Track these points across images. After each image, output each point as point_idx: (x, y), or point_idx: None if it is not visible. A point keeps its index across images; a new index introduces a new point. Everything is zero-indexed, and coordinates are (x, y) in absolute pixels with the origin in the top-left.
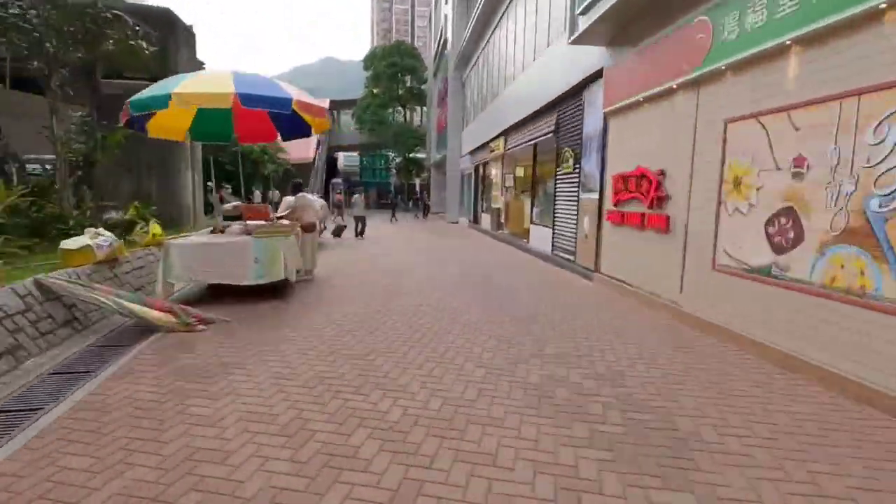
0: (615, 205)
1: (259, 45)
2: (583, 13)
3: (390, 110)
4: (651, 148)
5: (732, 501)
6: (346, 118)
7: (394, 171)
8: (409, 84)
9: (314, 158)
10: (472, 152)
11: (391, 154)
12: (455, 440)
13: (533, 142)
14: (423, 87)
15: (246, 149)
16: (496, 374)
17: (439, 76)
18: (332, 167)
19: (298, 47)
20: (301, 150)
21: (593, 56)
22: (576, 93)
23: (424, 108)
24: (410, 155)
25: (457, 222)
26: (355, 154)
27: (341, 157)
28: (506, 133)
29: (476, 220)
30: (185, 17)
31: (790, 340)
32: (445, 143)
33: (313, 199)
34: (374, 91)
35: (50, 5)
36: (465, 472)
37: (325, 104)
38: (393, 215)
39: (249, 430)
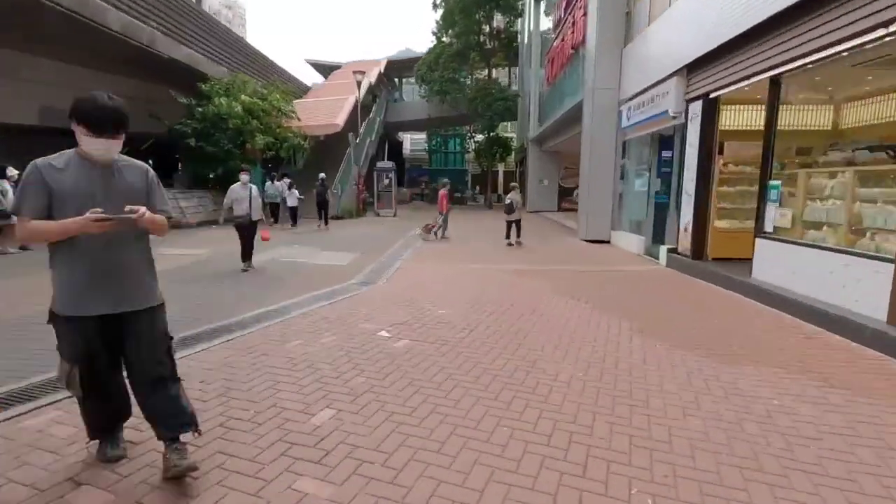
0: None
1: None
2: None
3: (465, 71)
4: None
5: None
6: (410, 91)
7: (470, 150)
8: (495, 25)
9: (364, 132)
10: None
11: (468, 132)
12: None
13: None
14: (513, 30)
15: (220, 109)
16: None
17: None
18: (390, 150)
19: (374, 38)
20: (327, 112)
21: None
22: None
23: (514, 71)
24: (493, 132)
25: (604, 241)
26: (422, 135)
27: (408, 139)
28: None
29: (698, 253)
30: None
31: None
32: (559, 102)
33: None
34: (446, 38)
35: None
36: None
37: (381, 65)
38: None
39: None
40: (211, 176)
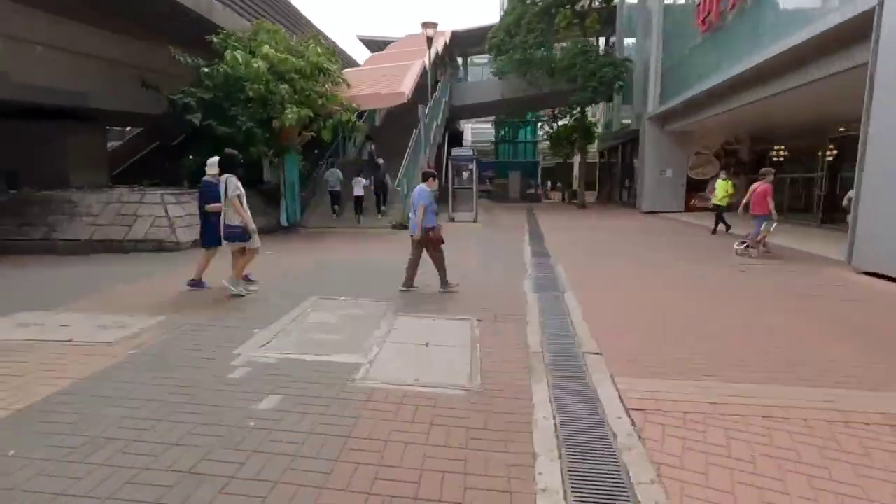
0: None
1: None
2: None
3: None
4: None
5: None
6: (477, 71)
7: (543, 137)
8: None
9: (432, 105)
10: None
11: (549, 116)
12: None
13: None
14: None
15: (235, 69)
16: None
17: None
18: (452, 138)
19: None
20: (386, 79)
21: None
22: None
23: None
24: (574, 114)
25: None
26: (484, 124)
27: (468, 129)
28: None
29: None
30: None
31: None
32: (728, 55)
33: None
34: None
35: None
36: None
37: (445, 37)
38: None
39: None
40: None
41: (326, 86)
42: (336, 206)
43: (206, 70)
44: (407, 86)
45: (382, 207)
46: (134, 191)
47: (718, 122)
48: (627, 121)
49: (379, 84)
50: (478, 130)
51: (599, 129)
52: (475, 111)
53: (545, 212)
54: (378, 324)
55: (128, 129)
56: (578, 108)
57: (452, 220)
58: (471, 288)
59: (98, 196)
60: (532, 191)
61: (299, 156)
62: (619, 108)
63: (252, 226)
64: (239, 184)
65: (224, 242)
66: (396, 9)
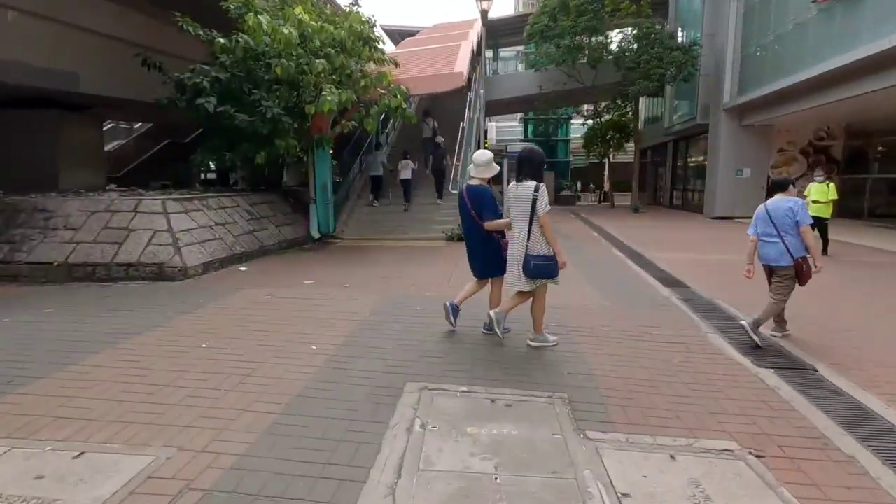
0: None
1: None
2: None
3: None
4: None
5: None
6: (503, 66)
7: (586, 132)
8: None
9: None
10: None
11: (592, 110)
12: None
13: None
14: None
15: (257, 38)
16: None
17: None
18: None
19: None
20: (434, 61)
21: None
22: None
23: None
24: (624, 108)
25: None
26: (510, 122)
27: (492, 127)
28: None
29: None
30: None
31: None
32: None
33: None
34: None
35: None
36: None
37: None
38: None
39: None
40: (237, 168)
41: (370, 64)
42: (376, 195)
43: (221, 41)
44: (462, 66)
45: (439, 201)
46: (128, 196)
47: (808, 114)
48: (683, 114)
49: (430, 65)
50: (503, 129)
51: (640, 126)
52: (507, 107)
53: (596, 216)
54: (577, 472)
55: (138, 125)
56: (630, 103)
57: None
58: (624, 347)
59: (81, 203)
60: (567, 192)
61: (331, 151)
62: (671, 101)
63: (563, 256)
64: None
65: (517, 277)
66: (396, 4)
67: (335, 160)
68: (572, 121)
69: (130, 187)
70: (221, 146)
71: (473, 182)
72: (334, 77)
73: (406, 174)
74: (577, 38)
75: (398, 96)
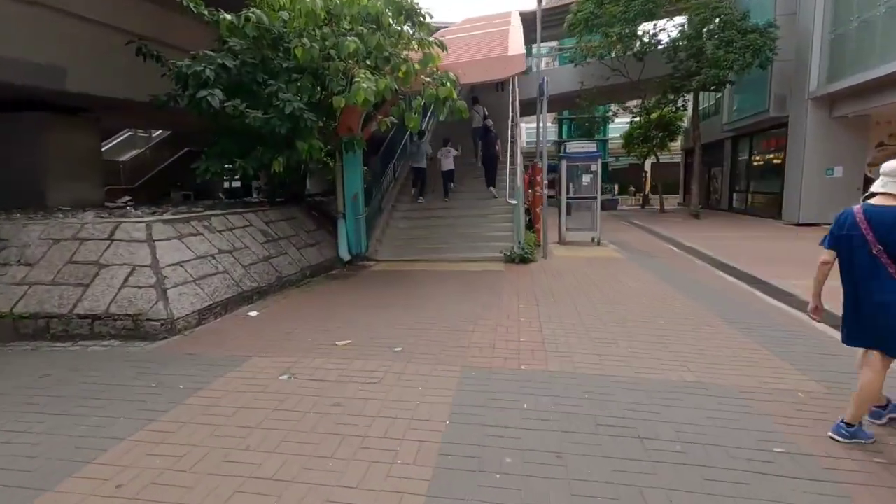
0: None
1: None
2: None
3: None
4: None
5: None
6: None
7: (634, 129)
8: None
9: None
10: None
11: (639, 106)
12: None
13: None
14: None
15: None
16: None
17: None
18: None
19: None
20: (483, 46)
21: None
22: None
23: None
24: (679, 103)
25: None
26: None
27: (522, 128)
28: None
29: None
30: None
31: None
32: None
33: None
34: None
35: None
36: None
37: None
38: None
39: None
40: (251, 177)
41: (411, 47)
42: (421, 190)
43: (228, 18)
44: (517, 48)
45: (493, 191)
46: (107, 216)
47: None
48: (749, 107)
49: (478, 51)
50: (534, 130)
51: (685, 123)
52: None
53: (653, 223)
54: None
55: (157, 133)
56: (682, 97)
57: (561, 240)
58: None
59: (43, 229)
60: (608, 196)
61: (362, 154)
62: (730, 94)
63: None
64: None
65: None
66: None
67: (364, 166)
68: (616, 118)
69: (123, 201)
70: (231, 151)
71: (882, 202)
72: (368, 62)
73: (448, 164)
74: (629, 26)
75: (448, 84)
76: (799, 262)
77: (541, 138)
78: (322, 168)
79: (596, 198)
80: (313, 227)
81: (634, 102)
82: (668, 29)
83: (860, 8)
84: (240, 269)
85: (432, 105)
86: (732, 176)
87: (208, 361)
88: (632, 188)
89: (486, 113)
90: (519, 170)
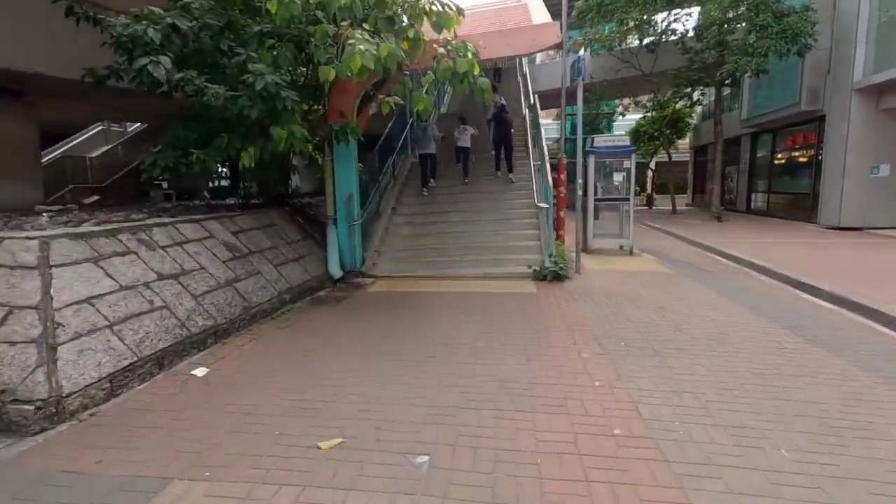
0: None
1: None
2: None
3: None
4: None
5: None
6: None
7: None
8: None
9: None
10: None
11: (652, 99)
12: None
13: None
14: None
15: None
16: None
17: None
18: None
19: None
20: (507, 19)
21: None
22: None
23: None
24: (696, 96)
25: None
26: (549, 118)
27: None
28: None
29: None
30: None
31: None
32: None
33: None
34: None
35: None
36: None
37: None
38: None
39: None
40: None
41: (420, 5)
42: (430, 180)
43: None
44: (544, 16)
45: (512, 177)
46: None
47: None
48: (775, 101)
49: (499, 24)
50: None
51: (694, 121)
52: (548, 101)
53: (673, 226)
54: None
55: (133, 126)
56: (698, 90)
57: (586, 248)
58: None
59: None
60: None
61: (356, 145)
62: (750, 87)
63: None
64: None
65: None
66: None
67: (359, 163)
68: (626, 114)
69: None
70: (186, 140)
71: None
72: (366, 25)
73: (465, 141)
74: (648, 12)
75: (468, 55)
76: (873, 273)
77: (573, 128)
78: (309, 165)
79: (629, 199)
80: (297, 236)
81: (647, 97)
82: (682, 18)
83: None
84: (188, 302)
85: (438, 87)
86: (751, 175)
87: (91, 495)
88: (636, 188)
89: (503, 102)
90: (546, 166)
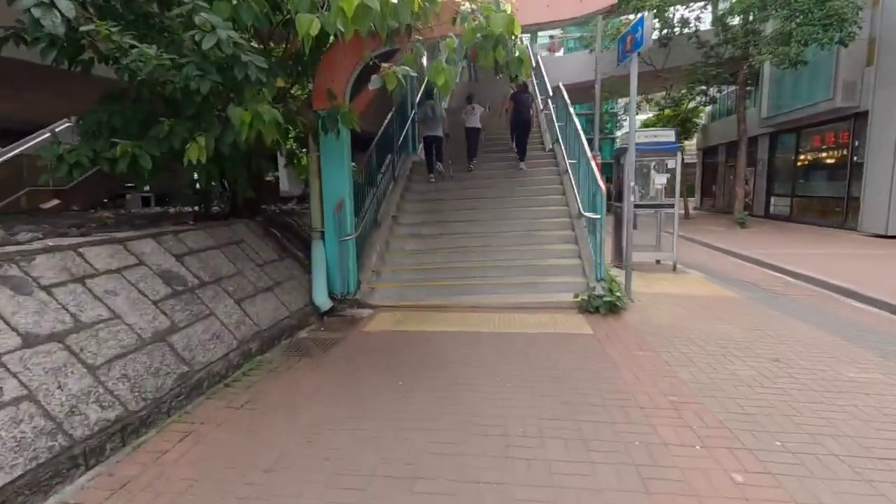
0: None
1: None
2: None
3: None
4: None
5: None
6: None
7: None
8: None
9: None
10: None
11: (666, 101)
12: None
13: None
14: None
15: None
16: None
17: None
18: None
19: None
20: None
21: None
22: None
23: None
24: (711, 93)
25: None
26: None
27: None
28: None
29: None
30: None
31: None
32: None
33: None
34: None
35: None
36: None
37: None
38: None
39: None
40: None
41: None
42: (437, 166)
43: None
44: None
45: (522, 165)
46: None
47: None
48: (803, 97)
49: None
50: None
51: (703, 120)
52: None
53: (701, 233)
54: None
55: None
56: (714, 88)
57: (623, 264)
58: None
59: None
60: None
61: (350, 137)
62: (770, 82)
63: None
64: None
65: None
66: None
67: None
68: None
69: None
70: (112, 128)
71: None
72: None
73: (473, 121)
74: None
75: (505, 10)
76: None
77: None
78: (289, 162)
79: (673, 206)
80: (272, 255)
81: (660, 94)
82: (697, 10)
83: None
84: (78, 382)
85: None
86: (770, 178)
87: None
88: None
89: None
90: (593, 165)
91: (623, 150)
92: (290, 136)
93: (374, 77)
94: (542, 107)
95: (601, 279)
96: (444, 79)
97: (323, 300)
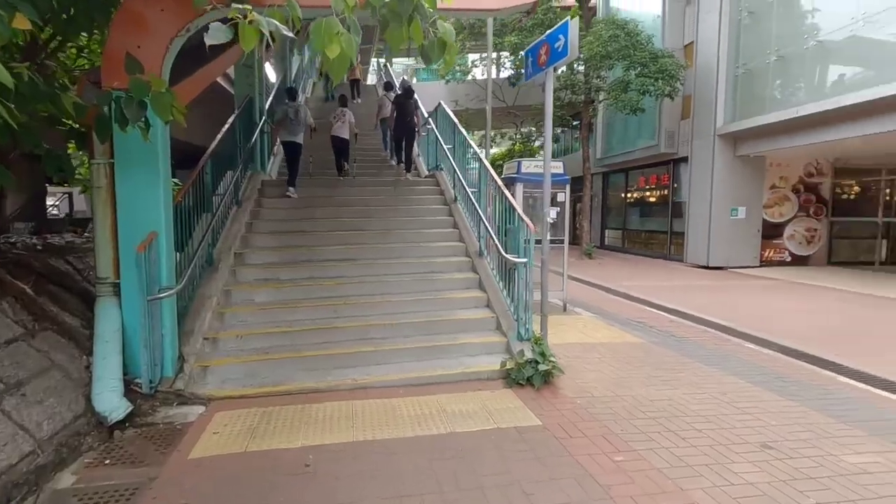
0: None
1: None
2: None
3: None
4: None
5: None
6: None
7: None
8: None
9: None
10: None
11: (518, 136)
12: None
13: None
14: None
15: None
16: None
17: None
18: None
19: None
20: None
21: None
22: None
23: None
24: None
25: None
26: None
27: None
28: None
29: None
30: None
31: None
32: None
33: None
34: None
35: None
36: None
37: None
38: None
39: None
40: None
41: None
42: (293, 178)
43: None
44: None
45: (408, 175)
46: None
47: (810, 147)
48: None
49: None
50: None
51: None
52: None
53: (554, 263)
54: None
55: None
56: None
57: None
58: None
59: None
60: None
61: (168, 139)
62: (603, 128)
63: None
64: None
65: None
66: None
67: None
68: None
69: None
70: None
71: None
72: None
73: (343, 131)
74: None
75: None
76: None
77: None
78: (80, 181)
79: (563, 241)
80: (10, 330)
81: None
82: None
83: (753, 56)
84: None
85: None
86: (604, 213)
87: None
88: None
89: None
90: (507, 194)
91: (511, 181)
92: (63, 126)
93: (214, 25)
94: (423, 120)
95: (526, 337)
96: (340, 49)
97: (112, 403)
